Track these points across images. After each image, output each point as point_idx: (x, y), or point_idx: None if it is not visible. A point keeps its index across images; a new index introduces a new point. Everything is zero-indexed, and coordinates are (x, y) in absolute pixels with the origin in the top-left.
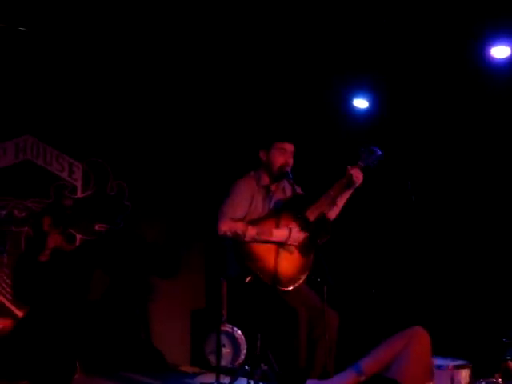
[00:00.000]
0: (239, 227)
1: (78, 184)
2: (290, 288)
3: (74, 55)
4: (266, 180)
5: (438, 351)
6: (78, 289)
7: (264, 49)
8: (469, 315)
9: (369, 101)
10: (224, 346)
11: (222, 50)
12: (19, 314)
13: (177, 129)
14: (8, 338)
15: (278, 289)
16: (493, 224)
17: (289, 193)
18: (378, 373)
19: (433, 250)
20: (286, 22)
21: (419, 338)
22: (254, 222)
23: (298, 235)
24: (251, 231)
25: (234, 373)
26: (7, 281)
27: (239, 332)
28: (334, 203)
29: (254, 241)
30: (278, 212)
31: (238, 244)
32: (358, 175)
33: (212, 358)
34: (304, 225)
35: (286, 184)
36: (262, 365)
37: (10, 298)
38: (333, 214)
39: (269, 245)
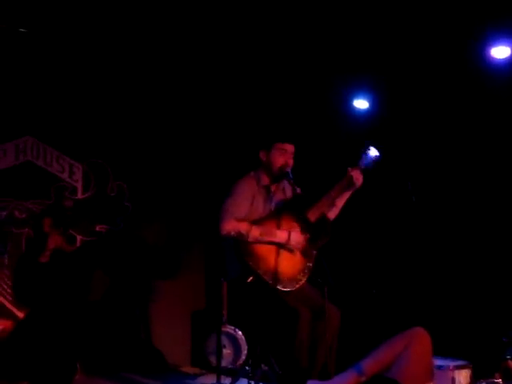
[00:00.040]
0: (243, 227)
1: (79, 185)
2: (291, 288)
3: (74, 56)
4: (265, 180)
5: (438, 351)
6: (78, 290)
7: (264, 49)
8: (468, 315)
9: (369, 101)
10: (224, 346)
11: (222, 50)
12: (20, 314)
13: (177, 130)
14: (8, 339)
15: (279, 289)
16: (493, 224)
17: (289, 193)
18: (379, 373)
19: (433, 251)
20: (286, 23)
21: (420, 339)
22: (255, 223)
23: (298, 237)
24: (255, 231)
25: (235, 373)
26: (8, 282)
27: (240, 333)
28: (333, 204)
29: (257, 241)
30: (279, 212)
31: (239, 243)
32: (358, 177)
33: (212, 359)
34: (305, 226)
35: (286, 184)
36: (263, 365)
37: (11, 299)
38: (332, 214)
39: (270, 245)
